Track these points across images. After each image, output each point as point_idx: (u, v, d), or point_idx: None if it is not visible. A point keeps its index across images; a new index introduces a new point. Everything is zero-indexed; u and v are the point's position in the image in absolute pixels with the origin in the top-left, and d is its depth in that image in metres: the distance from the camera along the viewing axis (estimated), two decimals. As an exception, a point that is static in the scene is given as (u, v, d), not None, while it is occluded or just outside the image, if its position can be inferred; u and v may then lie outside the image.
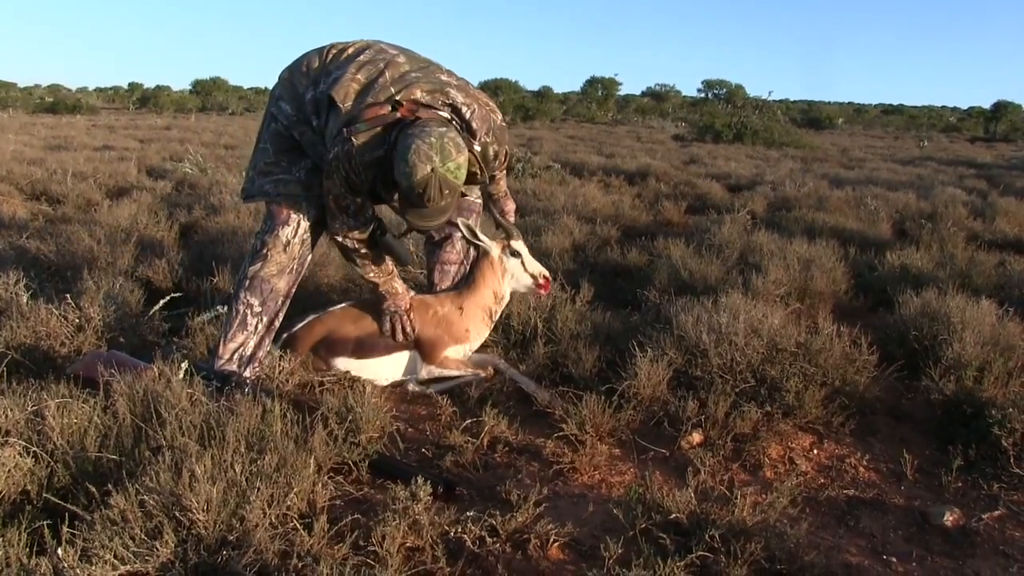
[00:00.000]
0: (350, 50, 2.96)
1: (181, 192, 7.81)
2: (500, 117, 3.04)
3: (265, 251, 3.02)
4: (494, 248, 3.34)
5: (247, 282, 3.02)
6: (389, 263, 3.17)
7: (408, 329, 3.20)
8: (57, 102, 32.96)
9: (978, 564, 2.21)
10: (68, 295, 3.39)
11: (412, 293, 3.29)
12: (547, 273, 3.43)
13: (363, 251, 3.06)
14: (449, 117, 2.83)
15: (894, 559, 2.22)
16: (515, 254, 3.36)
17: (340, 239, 3.02)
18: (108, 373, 2.56)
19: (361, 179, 2.81)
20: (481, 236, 3.30)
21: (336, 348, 3.19)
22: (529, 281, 3.38)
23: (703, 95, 42.12)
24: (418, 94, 2.82)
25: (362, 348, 3.20)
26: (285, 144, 3.02)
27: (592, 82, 42.14)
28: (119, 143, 13.58)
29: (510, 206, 3.53)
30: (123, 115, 29.67)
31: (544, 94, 39.21)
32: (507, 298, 3.41)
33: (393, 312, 3.19)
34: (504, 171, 3.34)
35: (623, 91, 43.22)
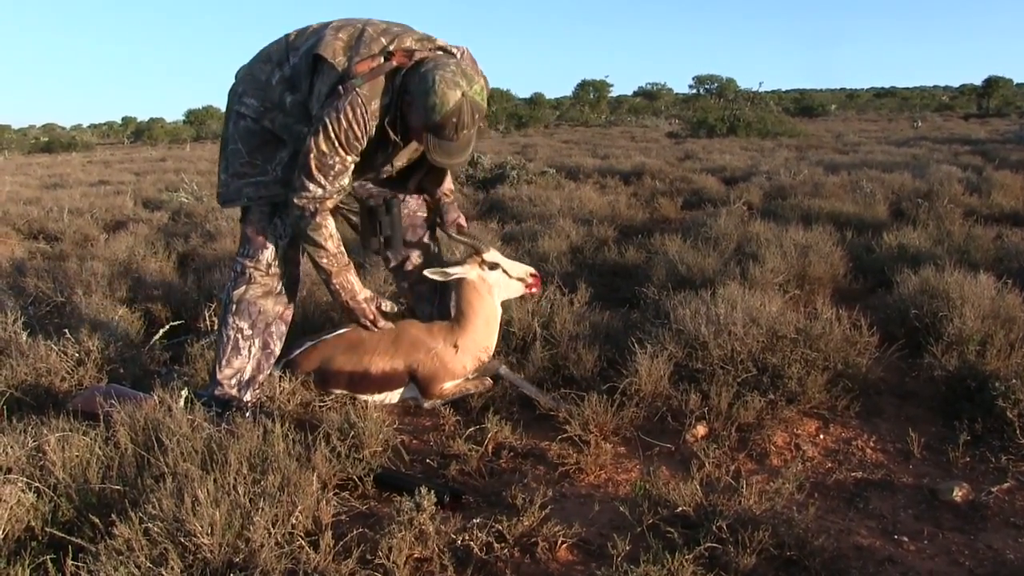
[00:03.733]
0: (314, 26, 2.89)
1: (178, 221, 7.83)
2: (482, 71, 2.96)
3: (247, 273, 2.95)
4: (470, 271, 3.20)
5: (233, 306, 2.96)
6: (346, 256, 2.97)
7: (375, 319, 3.05)
8: (52, 141, 33.15)
9: (989, 537, 2.20)
10: (67, 330, 3.39)
11: (370, 294, 3.09)
12: (532, 271, 3.34)
13: (325, 227, 2.85)
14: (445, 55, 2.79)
15: (905, 538, 2.21)
16: (493, 267, 3.23)
17: (303, 207, 2.80)
18: (108, 405, 2.56)
19: (365, 131, 2.71)
20: (451, 269, 3.18)
21: (331, 381, 3.12)
22: (517, 286, 3.29)
23: (695, 91, 42.24)
24: (409, 43, 2.77)
25: (358, 383, 3.11)
26: (257, 140, 2.92)
27: (583, 85, 42.30)
28: (115, 177, 13.65)
29: (457, 215, 3.34)
30: (118, 149, 29.80)
31: (536, 101, 39.34)
32: (500, 311, 3.29)
33: (354, 311, 3.03)
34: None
35: (615, 92, 43.46)
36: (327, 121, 2.67)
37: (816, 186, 7.62)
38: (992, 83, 35.68)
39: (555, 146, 17.53)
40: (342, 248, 2.93)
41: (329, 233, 2.86)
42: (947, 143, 14.34)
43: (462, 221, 3.36)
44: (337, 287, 2.97)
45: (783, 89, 49.21)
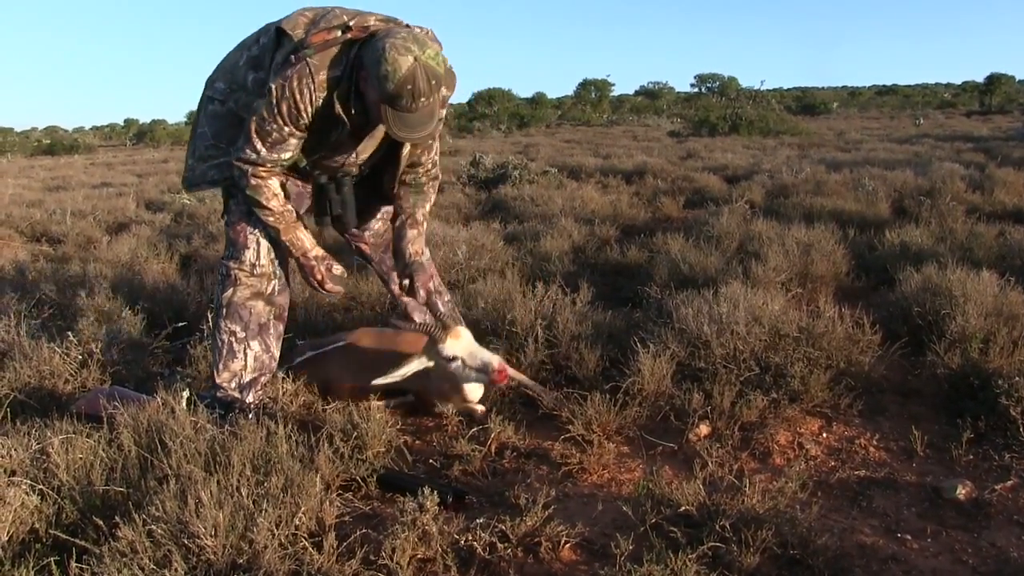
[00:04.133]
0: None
1: (180, 223, 7.84)
2: (449, 63, 2.80)
3: (232, 276, 2.91)
4: (425, 362, 2.88)
5: (223, 310, 2.92)
6: (294, 214, 2.88)
7: (323, 280, 2.91)
8: (54, 143, 33.14)
9: (993, 535, 2.20)
10: (70, 332, 3.39)
11: (322, 253, 2.94)
12: (496, 363, 2.81)
13: (266, 187, 2.77)
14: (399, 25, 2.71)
15: (908, 536, 2.21)
16: (452, 359, 2.83)
17: (240, 168, 2.74)
18: (112, 408, 2.56)
19: (310, 102, 2.62)
20: (405, 368, 2.84)
21: (334, 393, 3.06)
22: (479, 381, 2.88)
23: (696, 90, 42.19)
24: (371, 21, 2.70)
25: (360, 398, 2.96)
26: (223, 122, 2.89)
27: (585, 85, 42.26)
28: (117, 179, 13.67)
29: (429, 276, 3.08)
30: (120, 151, 29.83)
31: (538, 100, 39.28)
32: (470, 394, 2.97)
33: (304, 268, 2.92)
34: (434, 155, 3.04)
35: (616, 92, 43.40)
36: (272, 87, 2.61)
37: (818, 184, 7.61)
38: (994, 80, 35.59)
39: (557, 146, 17.53)
40: (288, 207, 2.86)
41: (272, 192, 2.79)
42: (949, 140, 14.33)
43: (434, 284, 3.16)
44: (287, 243, 2.89)
45: (785, 87, 49.20)
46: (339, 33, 2.64)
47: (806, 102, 35.00)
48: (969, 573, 2.05)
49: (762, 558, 2.02)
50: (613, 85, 42.56)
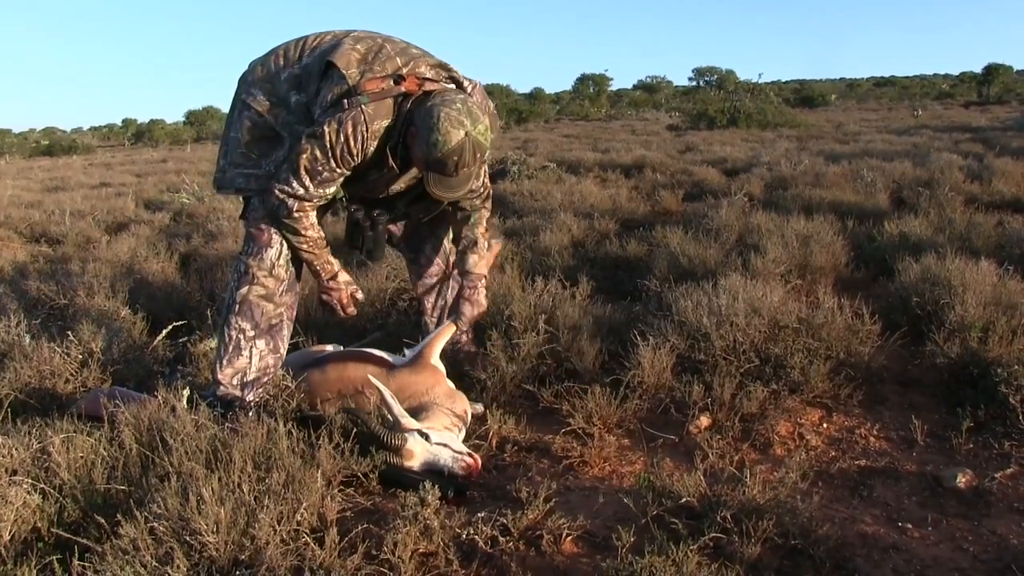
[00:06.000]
0: (337, 32, 2.87)
1: (179, 222, 7.84)
2: (492, 105, 2.99)
3: (251, 274, 2.92)
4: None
5: (236, 306, 2.92)
6: (325, 239, 2.92)
7: (346, 304, 2.98)
8: (53, 144, 33.13)
9: (993, 523, 2.20)
10: (70, 332, 3.40)
11: (349, 279, 3.00)
12: (468, 460, 2.50)
13: (306, 218, 2.81)
14: (455, 89, 2.78)
15: (909, 525, 2.21)
16: (424, 435, 2.54)
17: (283, 200, 2.76)
18: (113, 407, 2.56)
19: (361, 149, 2.69)
20: (378, 430, 2.48)
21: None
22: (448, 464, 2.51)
23: (694, 83, 42.14)
24: (423, 68, 2.76)
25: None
26: (258, 133, 2.89)
27: (583, 80, 42.23)
28: (116, 179, 13.65)
29: (476, 262, 3.11)
30: (119, 152, 29.79)
31: (536, 95, 39.27)
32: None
33: (330, 290, 2.97)
34: (484, 179, 3.10)
35: (615, 86, 43.38)
36: (326, 130, 2.65)
37: (817, 176, 7.59)
38: (992, 70, 35.56)
39: (555, 141, 17.49)
40: (321, 233, 2.90)
41: (310, 222, 2.84)
42: (947, 131, 14.30)
43: (477, 288, 3.15)
44: (318, 268, 2.95)
45: (783, 80, 49.13)
46: (392, 83, 2.70)
47: (804, 94, 34.93)
48: (970, 561, 2.06)
49: (763, 548, 2.02)
50: (611, 80, 42.57)
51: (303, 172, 2.72)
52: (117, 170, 16.46)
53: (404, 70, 2.72)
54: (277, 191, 2.77)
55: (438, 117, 2.56)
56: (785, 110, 21.75)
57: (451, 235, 3.31)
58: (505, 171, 9.37)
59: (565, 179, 9.01)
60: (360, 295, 3.06)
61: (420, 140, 2.62)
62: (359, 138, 2.66)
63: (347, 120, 2.64)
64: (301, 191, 2.75)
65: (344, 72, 2.68)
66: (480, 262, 3.13)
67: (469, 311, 3.11)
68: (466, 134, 2.57)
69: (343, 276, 2.99)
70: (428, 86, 2.73)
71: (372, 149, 2.71)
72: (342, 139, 2.65)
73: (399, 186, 2.98)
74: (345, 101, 2.66)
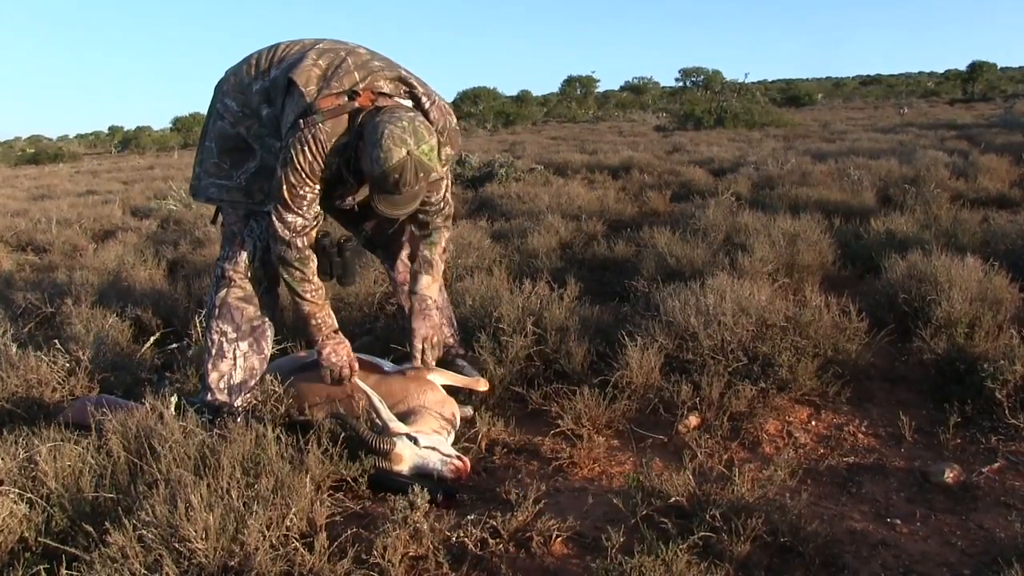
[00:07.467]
0: (306, 42, 2.86)
1: (167, 229, 7.82)
2: (455, 121, 2.94)
3: (228, 277, 2.94)
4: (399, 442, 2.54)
5: (216, 310, 2.94)
6: (324, 288, 2.89)
7: (347, 371, 2.87)
8: (39, 152, 32.93)
9: (981, 517, 2.21)
10: (57, 341, 3.38)
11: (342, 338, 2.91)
12: (458, 463, 2.50)
13: (313, 260, 2.81)
14: (411, 105, 2.76)
15: (898, 521, 2.22)
16: (413, 439, 2.54)
17: (290, 240, 2.75)
18: (100, 415, 2.55)
19: (323, 164, 2.68)
20: (367, 435, 2.50)
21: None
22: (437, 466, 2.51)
23: (681, 84, 42.14)
24: (381, 83, 2.74)
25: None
26: (230, 143, 2.91)
27: (570, 81, 42.28)
28: (103, 187, 13.60)
29: (428, 284, 3.04)
30: (106, 159, 29.65)
31: (523, 98, 39.30)
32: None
33: (332, 352, 2.88)
34: (444, 193, 3.02)
35: (602, 87, 43.43)
36: (292, 153, 2.65)
37: (804, 175, 7.63)
38: (976, 68, 35.77)
39: (543, 143, 17.51)
40: (322, 285, 2.89)
41: (313, 269, 2.84)
42: (933, 129, 14.39)
43: (438, 337, 3.06)
44: (319, 322, 2.88)
45: (769, 79, 49.31)
46: (347, 99, 2.68)
47: (791, 94, 35.08)
48: (958, 555, 2.07)
49: (753, 546, 2.03)
50: (598, 81, 42.64)
51: (290, 203, 2.72)
52: (104, 177, 16.40)
53: (361, 85, 2.71)
54: (280, 235, 2.75)
55: (382, 134, 2.54)
56: (772, 109, 21.85)
57: (409, 251, 3.23)
58: (493, 174, 9.37)
59: (553, 181, 9.02)
60: (356, 364, 2.93)
61: (365, 155, 2.61)
62: (319, 156, 2.66)
63: (308, 138, 2.64)
64: (300, 220, 2.74)
65: (303, 90, 2.69)
66: (432, 284, 3.06)
67: (422, 326, 3.02)
68: (408, 153, 2.54)
69: (339, 336, 2.92)
70: (381, 101, 2.71)
71: (335, 164, 2.71)
72: (309, 157, 2.65)
73: (361, 196, 2.96)
74: (301, 121, 2.66)
